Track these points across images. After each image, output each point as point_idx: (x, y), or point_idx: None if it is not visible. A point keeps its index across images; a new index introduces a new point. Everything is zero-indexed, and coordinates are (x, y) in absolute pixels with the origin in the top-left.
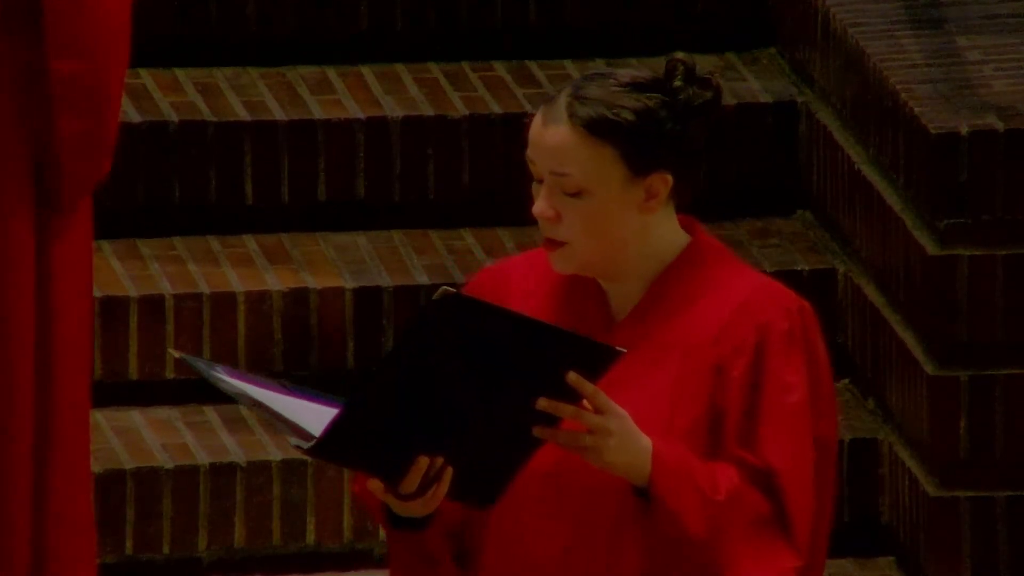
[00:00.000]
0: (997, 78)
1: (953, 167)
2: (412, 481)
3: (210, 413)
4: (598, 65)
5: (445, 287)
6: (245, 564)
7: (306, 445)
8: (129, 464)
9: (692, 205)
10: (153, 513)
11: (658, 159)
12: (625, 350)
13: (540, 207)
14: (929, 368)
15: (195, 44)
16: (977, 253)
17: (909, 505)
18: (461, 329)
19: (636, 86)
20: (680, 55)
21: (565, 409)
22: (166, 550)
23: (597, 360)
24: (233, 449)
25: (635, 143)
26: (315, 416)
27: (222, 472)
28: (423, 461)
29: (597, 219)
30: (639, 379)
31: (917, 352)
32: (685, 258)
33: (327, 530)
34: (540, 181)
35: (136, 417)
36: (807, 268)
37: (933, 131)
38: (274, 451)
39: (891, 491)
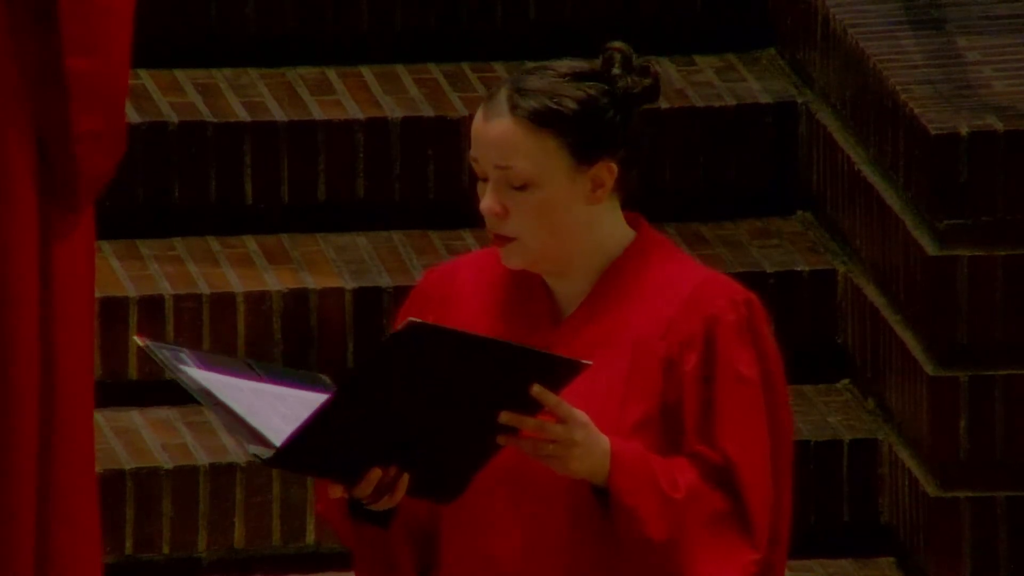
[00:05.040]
0: (997, 79)
1: (953, 168)
2: (365, 489)
3: (210, 413)
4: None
5: (411, 319)
6: (245, 564)
7: (264, 455)
8: (129, 464)
9: (692, 205)
10: (153, 513)
11: (602, 148)
12: (590, 363)
13: (487, 204)
14: (929, 368)
15: (195, 44)
16: (977, 253)
17: (909, 505)
18: (425, 355)
19: (576, 76)
20: (617, 44)
21: (528, 423)
22: (166, 550)
23: (561, 373)
24: (233, 449)
25: (578, 132)
26: (282, 408)
27: (222, 472)
28: (376, 473)
29: (545, 211)
30: (589, 374)
31: (917, 352)
32: (631, 253)
33: (327, 530)
34: (485, 180)
35: (136, 417)
36: (807, 268)
37: (933, 132)
38: None
39: (891, 491)
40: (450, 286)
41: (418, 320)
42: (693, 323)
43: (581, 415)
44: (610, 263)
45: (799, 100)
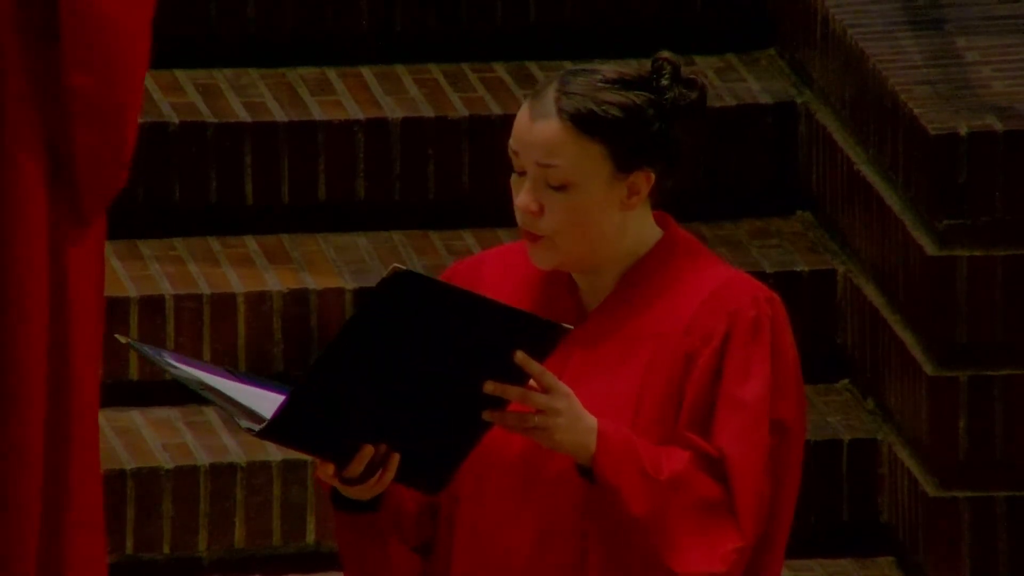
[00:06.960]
0: (996, 79)
1: (952, 168)
2: (356, 468)
3: (210, 413)
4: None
5: (396, 264)
6: (245, 564)
7: (257, 427)
8: (129, 464)
9: (692, 205)
10: (153, 513)
11: (642, 157)
12: (572, 327)
13: (524, 200)
14: (928, 368)
15: (195, 44)
16: (976, 253)
17: (909, 505)
18: (412, 307)
19: (624, 83)
20: (667, 54)
21: (512, 391)
22: (166, 550)
23: (544, 339)
24: (233, 449)
25: (622, 140)
26: (266, 402)
27: (222, 472)
28: (368, 450)
29: (580, 214)
30: (610, 368)
31: (916, 352)
32: (657, 252)
33: (327, 530)
34: (522, 174)
35: (136, 417)
36: (807, 268)
37: (932, 132)
38: (274, 451)
39: (891, 491)
40: (476, 278)
41: (403, 267)
42: (716, 320)
43: (565, 387)
44: (636, 261)
45: (799, 100)
